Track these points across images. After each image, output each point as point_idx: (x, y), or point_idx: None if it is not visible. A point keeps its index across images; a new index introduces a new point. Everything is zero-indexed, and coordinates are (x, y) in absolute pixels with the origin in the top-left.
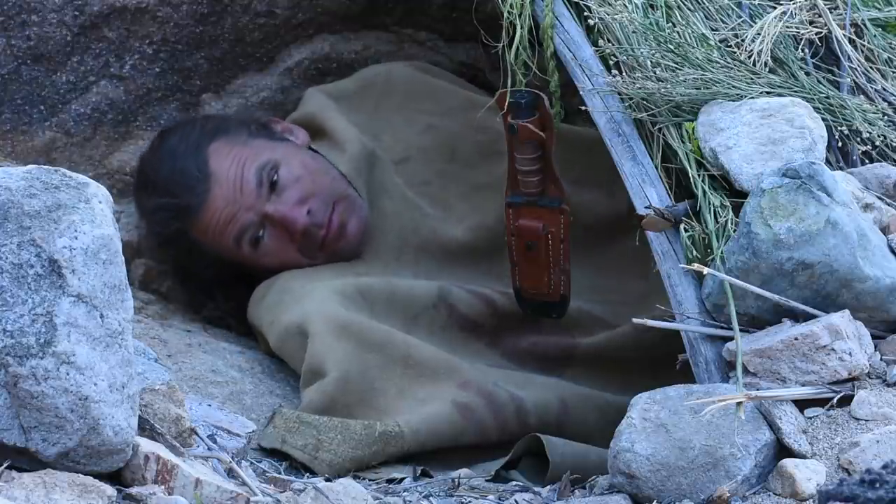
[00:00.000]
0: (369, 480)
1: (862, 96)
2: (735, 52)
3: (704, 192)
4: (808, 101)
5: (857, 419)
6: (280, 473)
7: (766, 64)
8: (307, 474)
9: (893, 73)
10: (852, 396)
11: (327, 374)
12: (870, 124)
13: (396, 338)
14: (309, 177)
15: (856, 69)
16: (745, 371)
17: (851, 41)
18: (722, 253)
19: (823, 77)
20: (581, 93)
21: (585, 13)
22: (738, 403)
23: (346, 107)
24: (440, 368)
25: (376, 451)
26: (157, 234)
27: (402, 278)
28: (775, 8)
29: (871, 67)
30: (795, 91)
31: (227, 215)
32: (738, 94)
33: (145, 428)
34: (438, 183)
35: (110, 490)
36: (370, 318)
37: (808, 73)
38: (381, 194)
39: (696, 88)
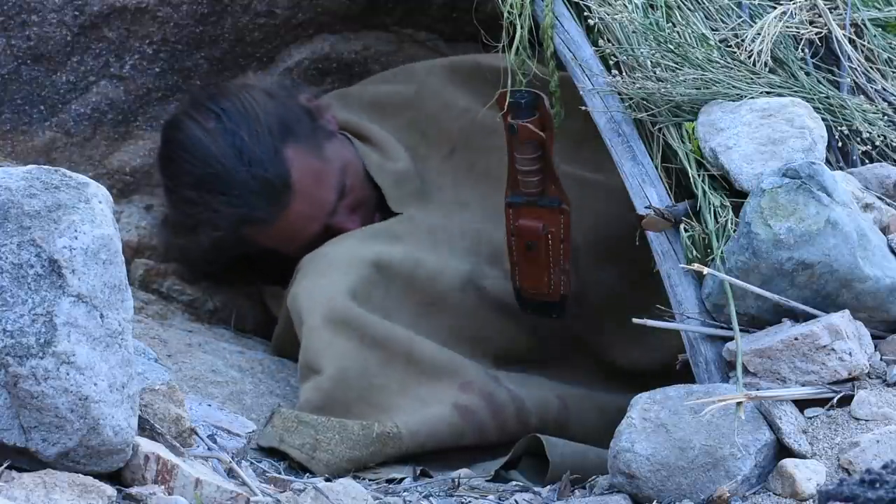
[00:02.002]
0: (369, 480)
1: (862, 96)
2: (735, 52)
3: (704, 192)
4: (808, 101)
5: (857, 419)
6: (280, 473)
7: (766, 64)
8: (307, 474)
9: (893, 73)
10: (852, 396)
11: (323, 371)
12: (870, 124)
13: (399, 334)
14: (359, 184)
15: (856, 69)
16: (745, 371)
17: (851, 41)
18: (722, 253)
19: (823, 77)
20: (581, 93)
21: (585, 13)
22: (738, 403)
23: (384, 117)
24: (442, 367)
25: (374, 452)
26: (208, 232)
27: (432, 254)
28: (775, 8)
29: (871, 67)
30: (795, 91)
31: (299, 227)
32: (738, 94)
33: (145, 428)
34: (482, 161)
35: (110, 490)
36: (384, 297)
37: (808, 73)
38: (431, 194)
39: (696, 88)
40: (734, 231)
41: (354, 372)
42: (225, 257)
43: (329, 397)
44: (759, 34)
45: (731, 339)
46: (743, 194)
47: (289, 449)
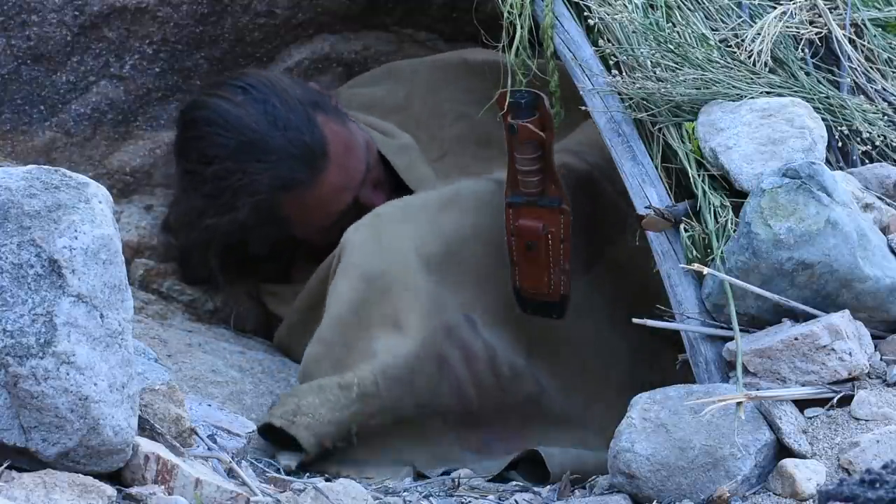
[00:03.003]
0: (370, 479)
1: (862, 96)
2: (735, 52)
3: (704, 192)
4: (808, 101)
5: (857, 419)
6: (280, 473)
7: (766, 64)
8: (306, 474)
9: (893, 73)
10: (852, 396)
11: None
12: (870, 124)
13: (398, 260)
14: (379, 165)
15: (856, 69)
16: (745, 371)
17: (851, 41)
18: (722, 253)
19: (823, 77)
20: (581, 93)
21: (585, 13)
22: (738, 403)
23: (378, 116)
24: (432, 301)
25: (355, 413)
26: (245, 200)
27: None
28: (775, 8)
29: (871, 67)
30: (795, 91)
31: (332, 197)
32: (738, 94)
33: (145, 428)
34: (475, 163)
35: (110, 490)
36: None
37: (808, 73)
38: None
39: (696, 88)
40: (734, 231)
41: (353, 308)
42: (253, 239)
43: (327, 344)
44: (759, 34)
45: (731, 339)
46: (743, 194)
47: (273, 419)
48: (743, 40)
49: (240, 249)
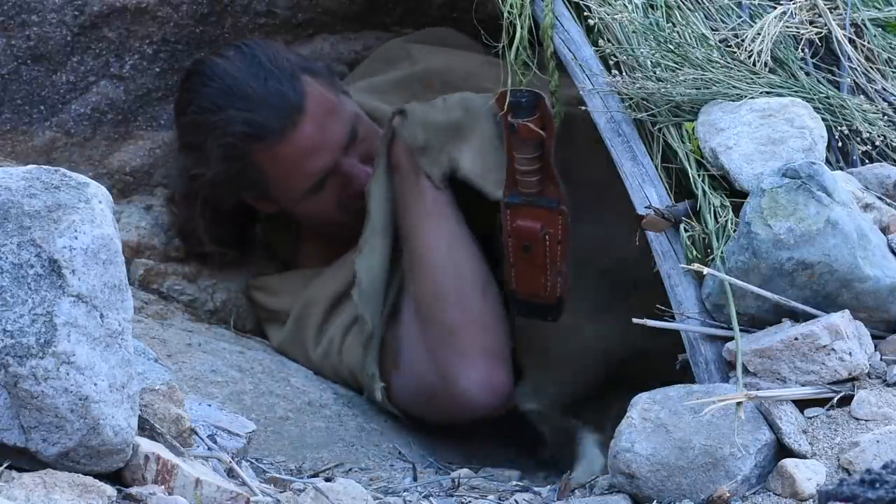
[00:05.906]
0: (370, 479)
1: (862, 96)
2: (735, 52)
3: (704, 192)
4: (808, 101)
5: (857, 419)
6: (279, 474)
7: (766, 64)
8: (306, 474)
9: (893, 73)
10: (852, 396)
11: None
12: (870, 124)
13: None
14: (372, 138)
15: (856, 69)
16: (745, 371)
17: (851, 41)
18: (722, 253)
19: (823, 77)
20: (581, 93)
21: (585, 13)
22: (738, 403)
23: (373, 95)
24: None
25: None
26: (216, 143)
27: None
28: (775, 8)
29: (871, 67)
30: (795, 91)
31: (306, 155)
32: (738, 94)
33: (145, 428)
34: None
35: (110, 490)
36: None
37: (808, 73)
38: None
39: (696, 88)
40: (734, 231)
41: None
42: (229, 192)
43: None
44: (759, 34)
45: (731, 339)
46: (743, 194)
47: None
48: (743, 40)
49: (230, 219)
